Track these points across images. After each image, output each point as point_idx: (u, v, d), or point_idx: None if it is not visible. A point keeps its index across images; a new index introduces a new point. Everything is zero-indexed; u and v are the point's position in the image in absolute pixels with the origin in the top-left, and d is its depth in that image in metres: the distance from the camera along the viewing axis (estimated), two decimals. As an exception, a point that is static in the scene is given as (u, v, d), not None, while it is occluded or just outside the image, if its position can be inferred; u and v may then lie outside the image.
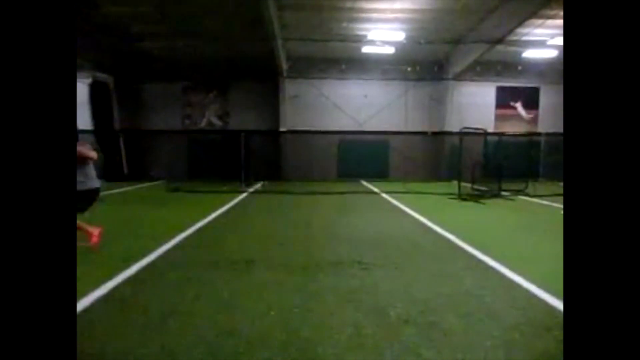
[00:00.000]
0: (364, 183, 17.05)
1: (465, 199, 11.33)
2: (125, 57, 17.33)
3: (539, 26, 13.36)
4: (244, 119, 18.99)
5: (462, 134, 12.35)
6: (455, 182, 12.54)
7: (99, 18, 12.96)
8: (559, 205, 9.77)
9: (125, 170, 17.49)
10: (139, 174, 17.66)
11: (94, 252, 5.11)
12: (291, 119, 18.76)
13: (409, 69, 18.68)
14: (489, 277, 4.38)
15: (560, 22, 12.31)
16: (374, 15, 13.47)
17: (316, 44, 15.90)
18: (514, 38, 14.30)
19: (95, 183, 5.10)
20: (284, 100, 18.71)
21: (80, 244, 4.69)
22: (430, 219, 7.90)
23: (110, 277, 4.14)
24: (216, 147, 18.38)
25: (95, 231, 5.02)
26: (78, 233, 4.86)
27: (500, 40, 14.23)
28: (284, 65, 17.86)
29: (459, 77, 18.40)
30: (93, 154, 4.97)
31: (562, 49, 14.30)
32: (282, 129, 18.64)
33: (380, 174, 19.04)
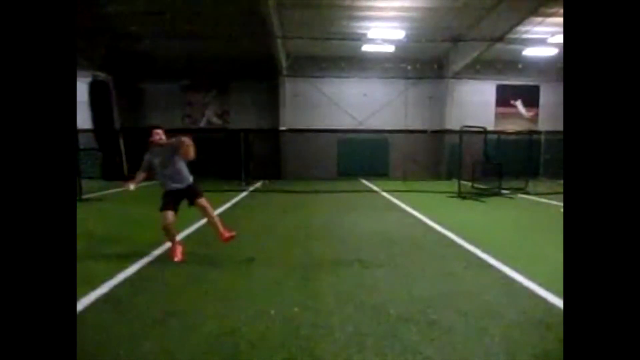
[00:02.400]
0: (364, 181, 17.05)
1: (465, 197, 11.32)
2: (125, 56, 17.30)
3: (539, 24, 13.33)
4: (243, 118, 18.98)
5: (462, 132, 12.34)
6: (455, 181, 12.54)
7: (99, 17, 12.94)
8: (559, 204, 9.78)
9: (125, 170, 17.47)
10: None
11: (94, 252, 5.11)
12: (291, 118, 18.75)
13: (409, 67, 18.66)
14: (489, 275, 4.38)
15: (560, 20, 12.29)
16: (374, 13, 13.45)
17: (316, 42, 15.87)
18: (514, 36, 14.27)
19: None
20: (284, 99, 18.69)
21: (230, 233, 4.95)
22: (430, 217, 7.90)
23: (111, 276, 4.14)
24: (216, 146, 18.34)
25: (227, 232, 4.98)
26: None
27: (500, 39, 14.20)
28: (284, 64, 17.85)
29: (459, 75, 18.37)
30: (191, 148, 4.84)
31: (562, 47, 14.27)
32: (281, 127, 18.62)
33: (380, 172, 19.04)
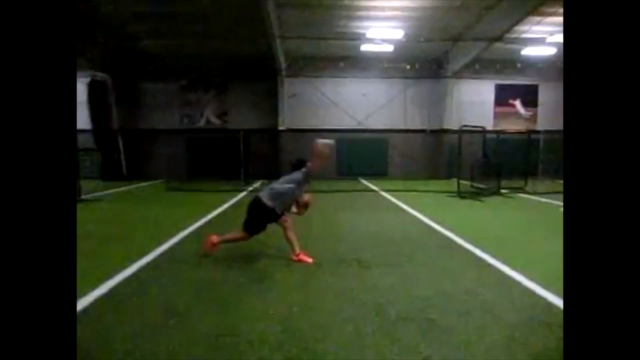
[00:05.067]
0: (363, 181, 17.05)
1: (464, 197, 11.34)
2: (124, 56, 17.28)
3: (538, 23, 13.35)
4: (242, 118, 18.95)
5: (461, 132, 12.35)
6: (454, 180, 12.55)
7: (98, 17, 12.92)
8: (558, 203, 9.78)
9: (124, 170, 17.46)
10: (137, 173, 17.63)
11: (93, 252, 5.10)
12: (290, 118, 18.73)
13: (408, 67, 18.66)
14: (489, 274, 4.38)
15: (559, 19, 12.30)
16: (373, 13, 13.45)
17: (315, 42, 15.87)
18: (513, 36, 14.29)
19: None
20: (283, 98, 18.68)
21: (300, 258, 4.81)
22: (429, 217, 7.90)
23: (110, 276, 4.13)
24: (215, 146, 18.34)
25: (305, 257, 4.88)
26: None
27: (499, 38, 14.22)
28: (283, 64, 17.84)
29: (458, 75, 18.38)
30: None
31: (560, 46, 14.29)
32: (280, 127, 18.61)
33: (379, 172, 19.03)
